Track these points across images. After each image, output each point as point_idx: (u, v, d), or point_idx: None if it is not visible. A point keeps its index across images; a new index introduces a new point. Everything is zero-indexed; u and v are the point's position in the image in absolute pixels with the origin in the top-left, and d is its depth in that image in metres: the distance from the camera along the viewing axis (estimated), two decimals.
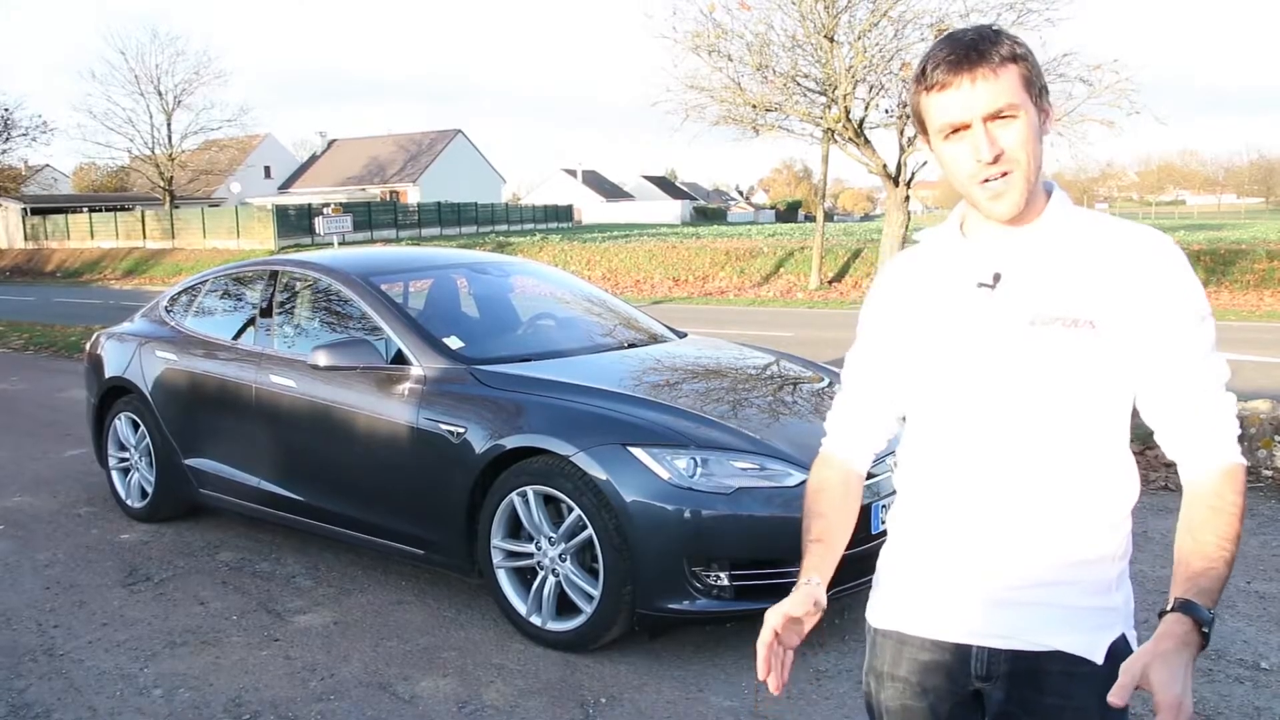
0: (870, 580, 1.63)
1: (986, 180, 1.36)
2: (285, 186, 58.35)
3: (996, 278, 1.41)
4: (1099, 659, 1.41)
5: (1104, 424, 1.40)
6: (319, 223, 27.93)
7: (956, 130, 1.37)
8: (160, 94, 42.07)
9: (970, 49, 1.35)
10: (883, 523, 3.26)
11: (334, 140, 62.55)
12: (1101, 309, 1.36)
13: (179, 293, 5.52)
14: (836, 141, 18.47)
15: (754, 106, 18.04)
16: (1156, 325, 1.34)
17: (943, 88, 1.36)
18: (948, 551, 1.46)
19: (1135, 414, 1.43)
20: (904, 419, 1.59)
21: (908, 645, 1.51)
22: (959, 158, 1.38)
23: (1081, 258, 1.39)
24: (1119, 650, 1.42)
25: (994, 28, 1.38)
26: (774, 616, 1.41)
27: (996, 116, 1.34)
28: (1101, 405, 1.39)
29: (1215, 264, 17.62)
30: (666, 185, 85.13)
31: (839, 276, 21.07)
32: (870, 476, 1.76)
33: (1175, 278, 1.35)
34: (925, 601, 1.49)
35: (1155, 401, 1.38)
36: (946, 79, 1.35)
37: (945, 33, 1.44)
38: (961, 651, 1.46)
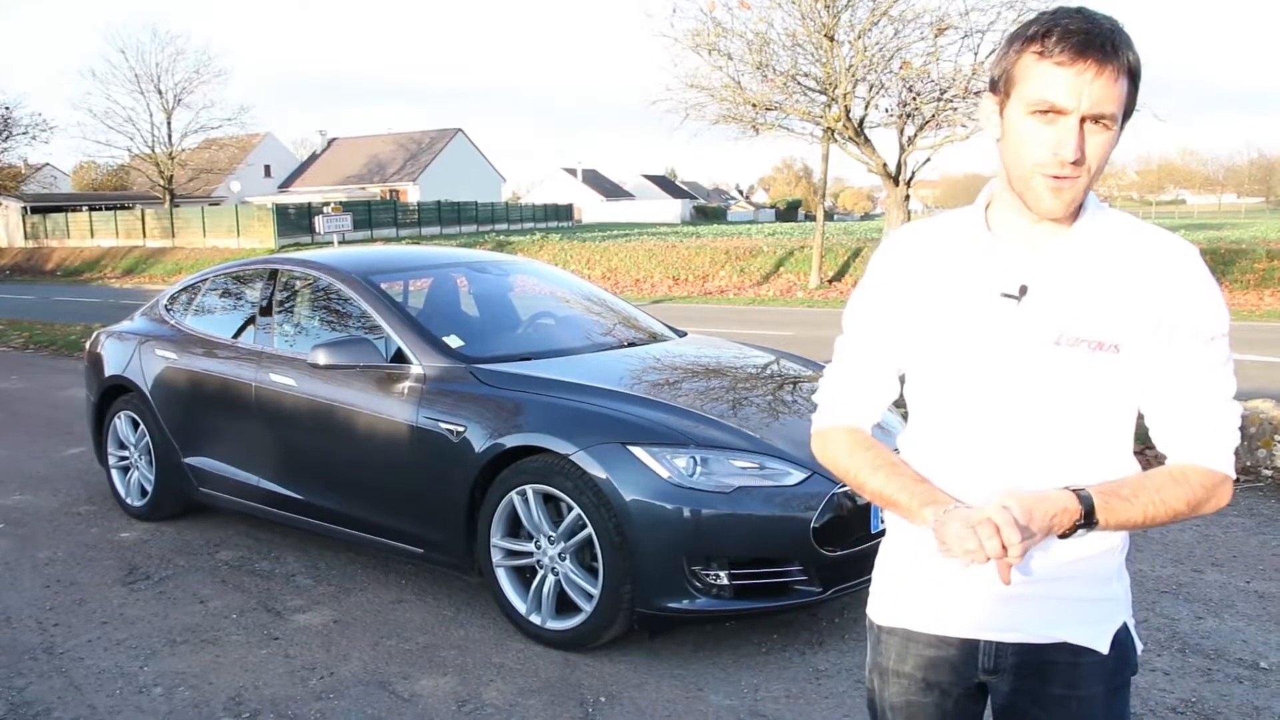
0: (870, 579, 1.63)
1: (1053, 176, 1.28)
2: (285, 185, 58.32)
3: (1023, 290, 1.37)
4: (1104, 648, 1.43)
5: (1114, 431, 1.41)
6: (319, 221, 27.96)
7: (1048, 112, 1.26)
8: (160, 92, 42.16)
9: (1108, 39, 1.23)
10: (881, 521, 3.26)
11: (334, 139, 62.52)
12: (1127, 332, 1.34)
13: (179, 291, 5.52)
14: (836, 140, 18.48)
15: (754, 105, 18.06)
16: (1176, 341, 1.34)
17: (1061, 63, 1.24)
18: None
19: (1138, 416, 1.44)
20: (898, 408, 1.58)
21: (914, 642, 1.52)
22: (1036, 141, 1.28)
23: (1110, 274, 1.35)
24: (1122, 639, 1.45)
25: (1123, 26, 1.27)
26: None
27: (1096, 119, 1.25)
28: (1114, 417, 1.40)
29: (1215, 263, 17.61)
30: (666, 184, 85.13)
31: (839, 276, 21.06)
32: None
33: (1201, 296, 1.34)
34: (932, 598, 1.49)
35: (1162, 410, 1.39)
36: (1071, 58, 1.23)
37: (1073, 5, 1.30)
38: (969, 646, 1.47)
